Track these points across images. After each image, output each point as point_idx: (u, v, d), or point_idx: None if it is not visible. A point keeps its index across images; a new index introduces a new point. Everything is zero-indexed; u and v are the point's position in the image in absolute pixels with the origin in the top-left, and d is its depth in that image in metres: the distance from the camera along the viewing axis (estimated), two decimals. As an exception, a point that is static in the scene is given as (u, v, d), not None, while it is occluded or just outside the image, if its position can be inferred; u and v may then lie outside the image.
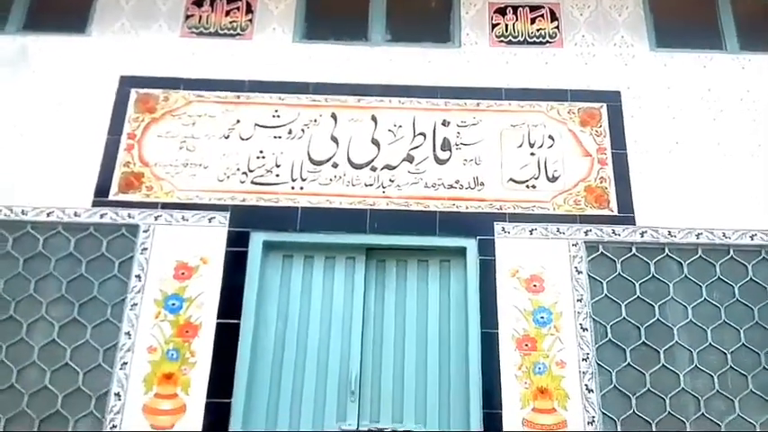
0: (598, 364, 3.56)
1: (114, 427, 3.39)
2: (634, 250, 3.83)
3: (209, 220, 3.89)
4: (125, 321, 3.62)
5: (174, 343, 3.57)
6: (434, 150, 4.10)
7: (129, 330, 3.59)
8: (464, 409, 3.54)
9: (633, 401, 3.50)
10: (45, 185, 3.96)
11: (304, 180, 4.02)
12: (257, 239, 3.86)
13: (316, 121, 4.19)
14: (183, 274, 3.74)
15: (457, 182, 4.01)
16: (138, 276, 3.72)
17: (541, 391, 3.49)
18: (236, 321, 3.64)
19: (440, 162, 4.07)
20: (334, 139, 4.14)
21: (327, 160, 4.08)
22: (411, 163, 4.07)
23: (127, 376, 3.50)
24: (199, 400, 3.46)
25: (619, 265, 3.80)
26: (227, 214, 3.90)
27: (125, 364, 3.52)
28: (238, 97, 4.23)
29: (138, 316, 3.63)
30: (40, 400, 3.50)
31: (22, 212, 3.88)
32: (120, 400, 3.45)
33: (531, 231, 3.86)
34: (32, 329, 3.66)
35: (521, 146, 4.10)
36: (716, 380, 3.56)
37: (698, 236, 3.84)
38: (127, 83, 4.25)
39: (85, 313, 3.68)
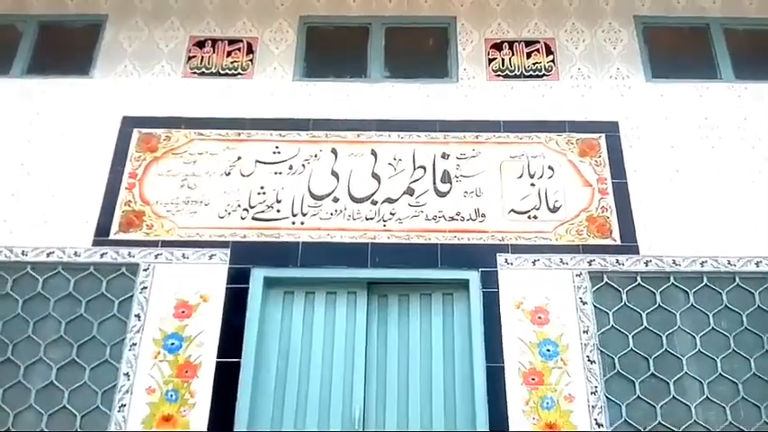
0: (607, 398, 3.48)
1: (112, 471, 3.30)
2: (639, 280, 3.79)
3: (210, 257, 3.87)
4: (124, 362, 3.56)
5: (173, 383, 3.51)
6: (435, 183, 4.11)
7: (127, 371, 3.53)
8: (471, 446, 3.44)
9: (645, 436, 3.41)
10: (46, 225, 3.96)
11: (305, 215, 4.02)
12: (258, 276, 3.83)
13: (316, 156, 4.21)
14: (182, 312, 3.70)
15: (458, 214, 4.00)
16: (138, 316, 3.68)
17: (550, 427, 3.40)
18: (236, 360, 3.58)
19: (440, 194, 4.07)
20: (335, 174, 4.15)
21: (328, 195, 4.09)
22: (411, 196, 4.07)
23: (125, 419, 3.42)
24: (199, 442, 3.37)
25: (624, 295, 3.75)
26: (228, 251, 3.89)
27: (123, 406, 3.45)
28: (239, 135, 4.27)
29: (137, 356, 3.57)
30: (37, 445, 3.42)
31: (23, 253, 3.87)
32: (118, 443, 3.37)
33: (533, 262, 3.83)
34: (30, 372, 3.60)
35: (521, 177, 4.10)
36: (728, 411, 3.47)
37: (702, 264, 3.80)
38: (129, 123, 4.30)
39: (84, 354, 3.63)
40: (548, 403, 3.45)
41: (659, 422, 3.44)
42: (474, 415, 3.47)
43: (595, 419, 3.41)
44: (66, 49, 4.77)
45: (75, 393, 3.53)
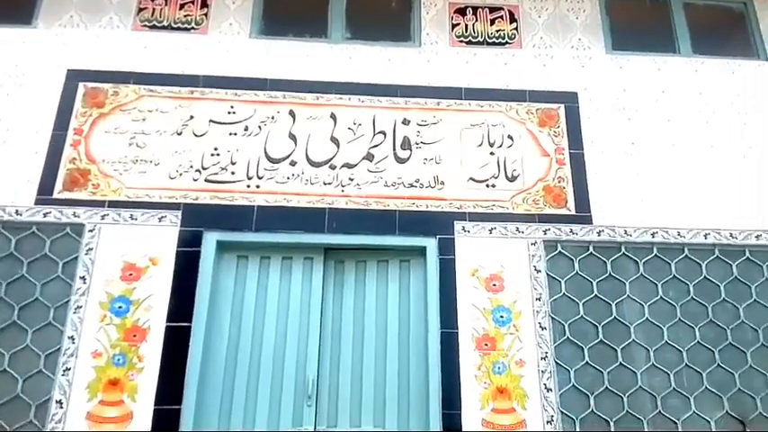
0: (557, 363, 3.55)
1: (54, 436, 3.20)
2: (591, 249, 3.85)
3: (160, 219, 3.74)
4: (68, 325, 3.43)
5: (120, 347, 3.41)
6: (394, 149, 4.05)
7: (72, 334, 3.41)
8: (423, 410, 3.48)
9: (591, 400, 3.50)
10: (-16, 183, 3.74)
11: (261, 178, 3.91)
12: (211, 239, 3.73)
13: (273, 118, 4.09)
14: (130, 275, 3.58)
15: (417, 181, 3.96)
16: (83, 278, 3.54)
17: (501, 391, 3.45)
18: (187, 324, 3.50)
19: (400, 161, 4.02)
20: (293, 137, 4.05)
21: (285, 158, 3.99)
22: (371, 161, 4.01)
23: (70, 383, 3.31)
24: (146, 407, 3.29)
25: (577, 264, 3.81)
26: (179, 213, 3.76)
27: (68, 369, 3.34)
28: (192, 92, 4.10)
29: (83, 319, 3.45)
30: (-26, 410, 3.28)
31: (-42, 211, 3.66)
32: (62, 407, 3.26)
33: (490, 230, 3.84)
34: (-33, 335, 3.44)
35: (480, 145, 4.08)
36: (672, 377, 3.59)
37: (653, 235, 3.88)
38: (74, 76, 4.07)
39: (26, 317, 3.48)
40: (499, 368, 3.50)
41: (606, 387, 3.54)
42: (427, 380, 3.50)
43: (545, 384, 3.48)
44: (7, -5, 4.46)
45: (16, 356, 3.40)
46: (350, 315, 3.75)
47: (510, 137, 4.11)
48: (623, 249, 3.86)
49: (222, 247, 3.75)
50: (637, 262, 3.84)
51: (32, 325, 3.46)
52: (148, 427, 3.25)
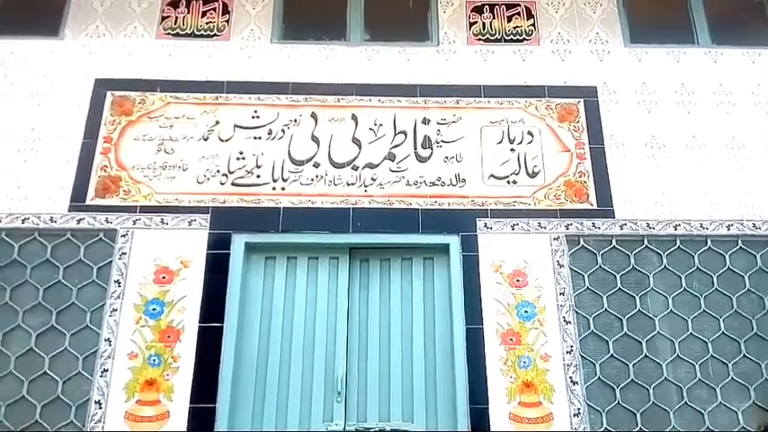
0: (582, 357, 3.59)
1: (96, 435, 3.32)
2: (614, 243, 3.88)
3: (189, 222, 3.84)
4: (104, 328, 3.55)
5: (155, 348, 3.52)
6: (415, 148, 4.11)
7: (108, 337, 3.53)
8: (451, 405, 3.54)
9: (617, 393, 3.54)
10: (20, 192, 3.88)
11: (285, 180, 4.00)
12: (239, 241, 3.82)
13: (296, 121, 4.17)
14: (163, 278, 3.69)
15: (438, 179, 4.02)
16: (118, 281, 3.66)
17: (527, 385, 3.50)
18: (218, 325, 3.59)
19: (421, 160, 4.08)
20: (315, 139, 4.12)
21: (308, 160, 4.06)
22: (392, 161, 4.07)
23: (108, 383, 3.43)
24: (182, 405, 3.40)
25: (599, 258, 3.84)
26: (208, 216, 3.86)
27: (105, 371, 3.46)
28: (217, 98, 4.19)
29: (118, 322, 3.56)
30: (19, 411, 3.41)
31: (-4, 219, 3.79)
32: (100, 408, 3.38)
33: (512, 227, 3.88)
34: (8, 339, 3.57)
35: (500, 142, 4.12)
36: (698, 369, 3.61)
37: (676, 227, 3.90)
38: (102, 86, 4.19)
39: (63, 321, 3.60)
40: (525, 362, 3.55)
41: (632, 379, 3.57)
42: (454, 375, 3.56)
43: (570, 377, 3.52)
44: (36, 9, 4.58)
45: (55, 359, 3.52)
46: (376, 312, 3.82)
47: (530, 133, 4.14)
48: (646, 242, 3.88)
49: (250, 248, 3.84)
50: (660, 254, 3.85)
51: (70, 328, 3.58)
52: (185, 425, 3.36)
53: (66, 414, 3.40)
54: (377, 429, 3.51)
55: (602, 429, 3.45)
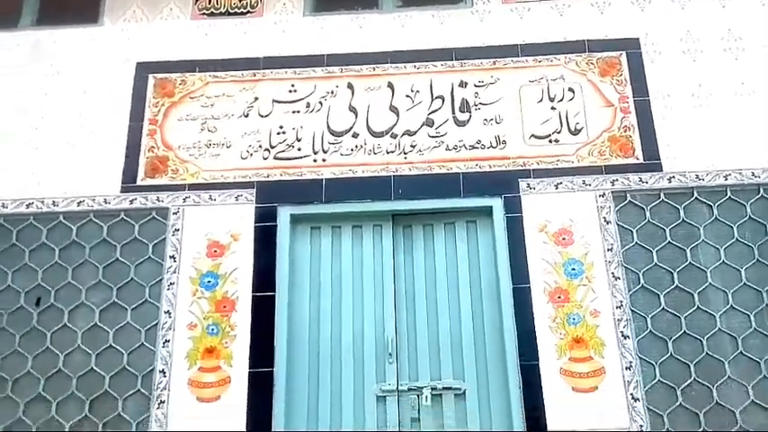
0: (632, 311, 3.57)
1: (162, 402, 3.49)
2: (662, 197, 3.81)
3: (236, 198, 3.94)
4: (163, 301, 3.70)
5: (212, 318, 3.65)
6: (453, 112, 4.10)
7: (168, 309, 3.68)
8: (501, 362, 3.58)
9: (670, 345, 3.51)
10: (73, 176, 4.03)
11: (326, 152, 4.05)
12: (284, 213, 3.91)
13: (332, 92, 4.20)
14: (215, 251, 3.81)
15: (478, 142, 4.00)
16: (173, 257, 3.79)
17: (577, 341, 3.51)
18: (271, 294, 3.70)
19: (460, 124, 4.06)
20: (353, 109, 4.15)
21: (347, 131, 4.10)
22: (431, 127, 4.07)
23: (170, 353, 3.59)
24: (242, 370, 3.54)
25: (648, 213, 3.78)
26: (253, 191, 3.95)
27: (167, 341, 3.61)
28: (254, 75, 4.25)
29: (176, 295, 3.71)
30: (88, 382, 3.60)
31: (53, 203, 3.96)
32: (165, 376, 3.54)
33: (556, 186, 3.85)
34: (74, 316, 3.75)
35: (541, 101, 4.07)
36: (752, 318, 3.55)
37: (726, 177, 3.81)
38: (144, 69, 4.29)
39: (124, 296, 3.77)
40: (574, 319, 3.56)
41: (684, 332, 3.54)
42: (502, 334, 3.59)
43: (621, 332, 3.51)
44: (75, -2, 4.70)
45: (119, 333, 3.69)
46: (421, 276, 3.87)
47: (571, 90, 4.07)
48: (696, 194, 3.80)
49: (295, 219, 3.93)
50: (710, 206, 3.78)
51: (131, 303, 3.75)
52: (245, 389, 3.49)
53: (133, 383, 3.58)
54: (428, 388, 3.57)
55: (654, 381, 3.44)
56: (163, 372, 3.55)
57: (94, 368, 3.63)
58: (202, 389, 3.51)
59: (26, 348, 3.68)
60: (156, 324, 3.67)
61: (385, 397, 3.61)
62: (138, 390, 3.57)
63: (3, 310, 3.77)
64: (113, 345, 3.67)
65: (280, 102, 4.19)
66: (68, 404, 3.57)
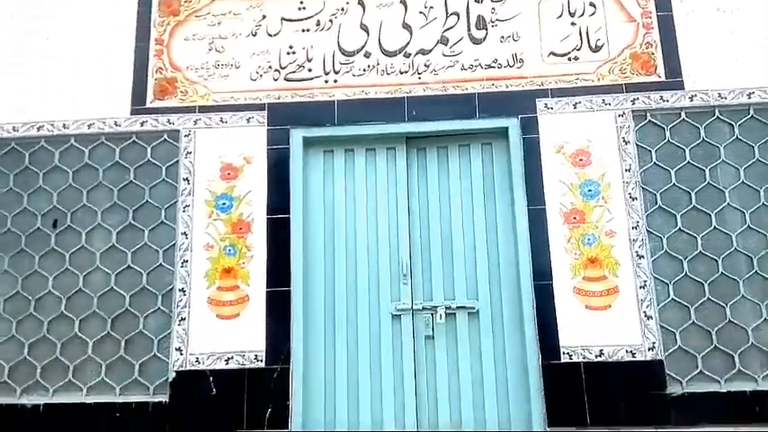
0: (648, 231, 3.56)
1: (183, 319, 3.57)
2: (683, 116, 3.73)
3: (248, 120, 3.88)
4: (179, 223, 3.72)
5: (229, 239, 3.68)
6: (469, 30, 3.95)
7: (185, 231, 3.70)
8: (515, 282, 3.62)
9: (685, 264, 3.52)
10: (82, 98, 3.96)
11: (337, 72, 3.94)
12: (297, 136, 3.85)
13: (343, 9, 4.05)
14: (228, 174, 3.79)
15: (495, 61, 3.88)
16: (187, 179, 3.78)
17: (592, 261, 3.53)
18: (285, 216, 3.71)
19: (476, 42, 3.93)
20: (364, 28, 4.01)
21: (359, 50, 3.98)
22: (446, 45, 3.94)
23: (189, 273, 3.64)
24: (259, 290, 3.59)
25: (668, 132, 3.71)
26: (265, 113, 3.89)
27: (185, 262, 3.65)
28: (261, -9, 4.08)
29: (192, 217, 3.72)
30: (110, 301, 3.68)
31: (64, 126, 3.92)
32: (185, 294, 3.61)
33: (575, 105, 3.76)
34: (91, 237, 3.79)
35: (560, 16, 3.92)
36: (769, 239, 3.54)
37: (749, 95, 3.70)
38: (147, -14, 4.13)
39: (140, 218, 3.79)
40: (589, 239, 3.56)
41: (700, 251, 3.54)
42: (517, 254, 3.61)
43: (636, 252, 3.52)
44: None
45: (137, 254, 3.74)
46: (435, 199, 3.85)
47: (592, 4, 3.91)
48: (717, 113, 3.71)
49: (308, 142, 3.88)
50: (732, 125, 3.69)
51: (147, 225, 3.77)
52: (263, 306, 3.56)
53: (154, 302, 3.65)
54: (443, 307, 3.63)
55: (668, 299, 3.47)
56: (182, 290, 3.61)
57: (114, 288, 3.69)
58: (221, 307, 3.58)
59: (46, 269, 3.75)
60: (174, 245, 3.71)
61: (400, 315, 3.67)
62: (159, 308, 3.64)
63: (21, 231, 3.81)
64: (132, 265, 3.72)
65: (289, 20, 4.05)
66: (91, 322, 3.67)
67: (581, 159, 3.68)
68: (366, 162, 3.93)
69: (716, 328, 3.43)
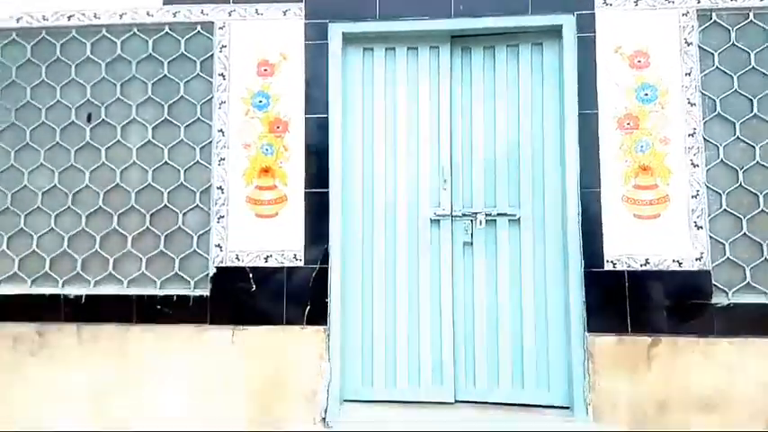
0: (705, 139, 3.39)
1: (222, 217, 3.54)
2: (752, 17, 3.45)
3: (284, 12, 3.67)
4: (216, 119, 3.62)
5: (266, 139, 3.58)
6: None
7: (221, 128, 3.60)
8: (560, 189, 3.51)
9: (740, 175, 3.38)
10: (111, -13, 3.77)
11: (379, -38, 3.68)
12: (336, 31, 3.65)
13: None
14: (265, 70, 3.64)
15: (551, -48, 3.59)
16: (222, 75, 3.64)
17: (643, 168, 3.39)
18: (323, 116, 3.58)
19: (531, -70, 3.61)
20: None
21: (404, -62, 3.69)
22: (498, -66, 3.63)
23: (226, 171, 3.58)
24: (297, 190, 3.53)
25: (733, 34, 3.45)
26: (302, 5, 3.67)
27: (223, 159, 3.58)
28: None
29: (228, 114, 3.61)
30: (147, 197, 3.66)
31: (95, 16, 3.76)
32: (223, 193, 3.56)
33: (636, 2, 3.50)
34: (127, 132, 3.72)
35: None
36: (835, 151, 3.36)
37: (830, -5, 3.40)
38: None
39: (175, 113, 3.69)
40: (642, 146, 3.40)
41: (758, 162, 3.38)
42: (564, 160, 3.48)
43: (691, 160, 3.37)
44: None
45: (173, 150, 3.67)
46: (480, 102, 3.69)
47: None
48: (791, 12, 3.44)
49: (347, 39, 3.69)
50: (807, 20, 3.42)
51: (183, 121, 3.68)
52: (302, 207, 3.51)
53: (192, 199, 3.62)
54: (483, 213, 3.55)
55: (720, 210, 3.36)
56: (220, 188, 3.57)
57: (152, 183, 3.66)
58: (260, 206, 3.54)
59: (82, 163, 3.71)
60: (210, 142, 3.63)
61: (439, 220, 3.61)
62: (197, 205, 3.62)
63: (55, 125, 3.74)
64: (168, 161, 3.66)
65: None
66: (129, 216, 3.66)
67: (639, 61, 3.46)
68: (408, 62, 3.74)
69: (767, 241, 3.33)
